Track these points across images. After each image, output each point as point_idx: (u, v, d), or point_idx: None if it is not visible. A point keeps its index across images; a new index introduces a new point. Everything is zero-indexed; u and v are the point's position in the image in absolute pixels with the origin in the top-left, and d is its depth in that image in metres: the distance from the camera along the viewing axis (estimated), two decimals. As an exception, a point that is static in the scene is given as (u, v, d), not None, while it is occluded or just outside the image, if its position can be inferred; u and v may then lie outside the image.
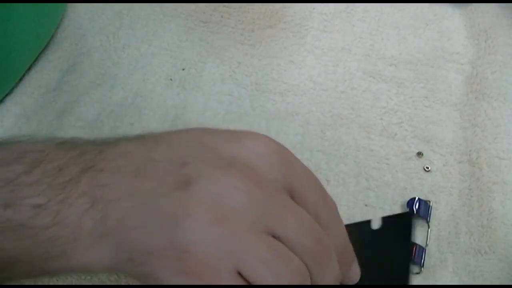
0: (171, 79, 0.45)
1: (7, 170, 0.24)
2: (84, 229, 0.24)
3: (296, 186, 0.26)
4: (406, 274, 0.34)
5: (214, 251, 0.23)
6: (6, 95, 0.43)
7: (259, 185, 0.24)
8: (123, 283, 0.33)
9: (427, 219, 0.37)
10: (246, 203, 0.24)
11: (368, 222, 0.36)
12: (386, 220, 0.36)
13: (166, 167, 0.24)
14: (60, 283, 0.33)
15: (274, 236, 0.24)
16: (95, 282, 0.33)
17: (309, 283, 0.24)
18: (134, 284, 0.34)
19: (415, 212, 0.37)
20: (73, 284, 0.33)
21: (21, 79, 0.44)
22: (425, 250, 0.36)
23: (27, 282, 0.33)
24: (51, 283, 0.33)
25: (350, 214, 0.38)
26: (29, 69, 0.44)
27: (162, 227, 0.23)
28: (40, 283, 0.33)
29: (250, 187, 0.24)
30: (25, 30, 0.40)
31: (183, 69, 0.46)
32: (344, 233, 0.29)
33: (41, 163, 0.25)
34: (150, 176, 0.24)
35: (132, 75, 0.45)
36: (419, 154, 0.41)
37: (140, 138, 0.27)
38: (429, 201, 0.38)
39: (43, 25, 0.44)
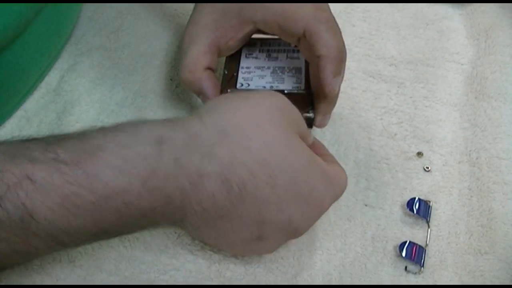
0: (171, 79, 0.45)
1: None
2: None
3: None
4: None
5: None
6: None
7: None
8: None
9: (427, 219, 0.37)
10: None
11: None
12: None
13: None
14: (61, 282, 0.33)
15: None
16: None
17: None
18: (139, 284, 0.34)
19: (415, 212, 0.37)
20: (74, 284, 0.33)
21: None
22: (425, 250, 0.36)
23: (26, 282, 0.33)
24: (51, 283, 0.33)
25: (350, 214, 0.38)
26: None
27: None
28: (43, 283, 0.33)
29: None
30: (38, 50, 0.41)
31: (183, 69, 0.46)
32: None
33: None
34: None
35: (132, 75, 0.45)
36: (419, 154, 0.41)
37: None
38: (429, 201, 0.38)
39: (55, 44, 0.44)
